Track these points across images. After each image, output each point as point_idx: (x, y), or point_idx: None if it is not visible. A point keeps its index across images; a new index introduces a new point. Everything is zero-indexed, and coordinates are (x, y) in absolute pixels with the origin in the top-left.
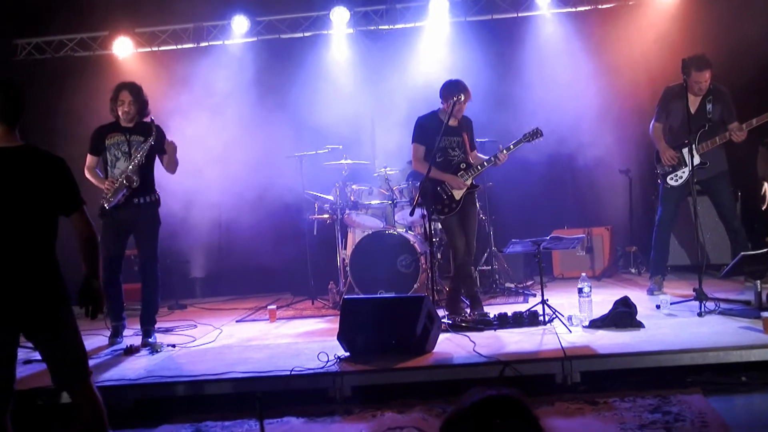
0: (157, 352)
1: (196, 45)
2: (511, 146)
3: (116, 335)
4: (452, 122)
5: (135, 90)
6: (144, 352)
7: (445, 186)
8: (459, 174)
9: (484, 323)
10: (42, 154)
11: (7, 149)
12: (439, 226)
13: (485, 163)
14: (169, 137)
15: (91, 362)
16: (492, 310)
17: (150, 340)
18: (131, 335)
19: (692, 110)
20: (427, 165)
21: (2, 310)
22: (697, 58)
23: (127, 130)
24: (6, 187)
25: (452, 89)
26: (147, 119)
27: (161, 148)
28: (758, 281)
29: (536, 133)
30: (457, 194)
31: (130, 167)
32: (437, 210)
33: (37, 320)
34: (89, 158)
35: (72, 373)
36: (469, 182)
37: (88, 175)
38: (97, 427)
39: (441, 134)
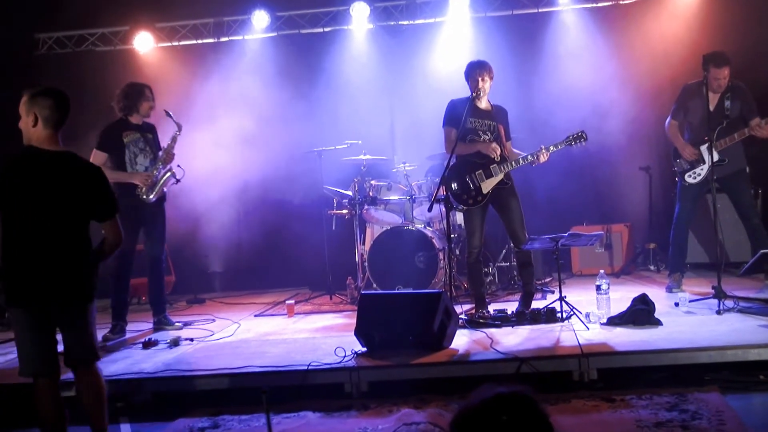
0: (175, 345)
1: (216, 40)
2: (552, 147)
3: (119, 332)
4: (483, 105)
5: (152, 91)
6: (162, 345)
7: (474, 176)
8: (491, 167)
9: (501, 319)
10: (81, 162)
11: (49, 152)
12: (458, 221)
13: (521, 160)
14: (188, 131)
15: (111, 356)
16: (510, 307)
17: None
18: (147, 329)
19: (711, 107)
20: (460, 146)
21: (43, 296)
22: (716, 55)
23: (138, 128)
24: (44, 187)
25: (472, 69)
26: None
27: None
28: None
29: (580, 137)
30: (485, 187)
31: (159, 163)
32: (462, 200)
33: (66, 309)
34: (99, 155)
35: (82, 356)
36: (500, 176)
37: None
38: (96, 409)
39: (467, 115)
